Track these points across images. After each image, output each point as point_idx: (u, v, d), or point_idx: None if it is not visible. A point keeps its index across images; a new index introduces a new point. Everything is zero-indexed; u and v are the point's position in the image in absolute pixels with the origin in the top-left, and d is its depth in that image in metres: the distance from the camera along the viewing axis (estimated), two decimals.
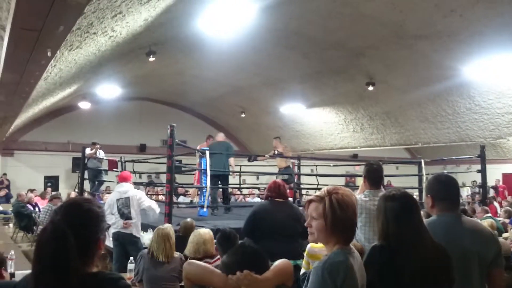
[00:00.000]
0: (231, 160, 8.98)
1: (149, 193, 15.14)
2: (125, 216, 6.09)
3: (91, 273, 1.55)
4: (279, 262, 2.44)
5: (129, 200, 6.12)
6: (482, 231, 2.47)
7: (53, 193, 13.05)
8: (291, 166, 10.81)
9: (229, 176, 9.44)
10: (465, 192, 16.31)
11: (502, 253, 2.48)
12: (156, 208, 6.37)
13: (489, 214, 8.65)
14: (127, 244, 6.04)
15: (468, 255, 2.33)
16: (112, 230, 6.08)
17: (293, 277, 2.52)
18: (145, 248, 5.35)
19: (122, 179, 6.49)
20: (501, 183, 19.06)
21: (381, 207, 2.23)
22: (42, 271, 1.45)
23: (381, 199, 2.26)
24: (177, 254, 4.40)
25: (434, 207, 2.51)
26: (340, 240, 1.94)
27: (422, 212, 2.25)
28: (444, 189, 2.51)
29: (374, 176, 3.79)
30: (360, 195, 3.76)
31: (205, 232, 4.28)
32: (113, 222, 6.07)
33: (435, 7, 8.07)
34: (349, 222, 1.94)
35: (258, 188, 15.43)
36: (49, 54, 4.37)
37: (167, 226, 4.65)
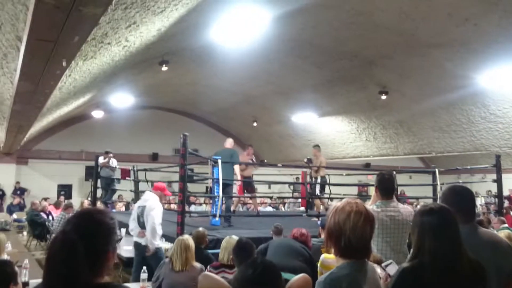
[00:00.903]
0: (236, 168, 8.57)
1: (163, 202, 15.21)
2: (141, 224, 6.07)
3: (100, 284, 1.54)
4: (297, 278, 2.40)
5: (144, 209, 6.04)
6: (500, 242, 2.43)
7: (66, 201, 13.13)
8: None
9: (234, 185, 9.30)
10: (478, 202, 16.09)
11: None
12: (156, 232, 5.89)
13: (506, 225, 8.50)
14: (143, 254, 6.02)
15: (487, 268, 2.28)
16: (133, 238, 6.12)
17: None
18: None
19: (154, 188, 6.39)
20: None
21: (417, 222, 2.13)
22: (52, 280, 1.46)
23: (418, 214, 2.17)
24: (198, 265, 4.46)
25: None
26: (340, 251, 1.91)
27: None
28: (459, 200, 2.46)
29: (386, 186, 3.71)
30: (372, 206, 3.71)
31: (236, 239, 4.40)
32: (131, 228, 6.11)
33: (448, 16, 8.03)
34: (342, 233, 1.89)
35: (270, 197, 15.38)
36: (64, 64, 4.41)
37: (188, 237, 4.72)
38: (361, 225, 1.89)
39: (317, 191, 10.55)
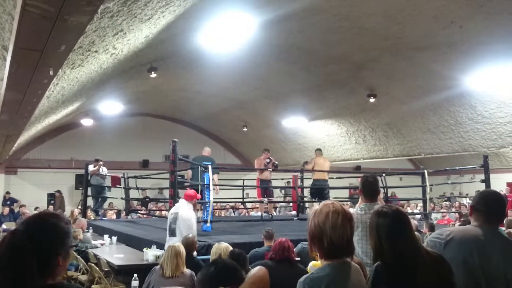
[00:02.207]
0: (215, 177, 8.74)
1: (152, 208, 15.17)
2: (171, 231, 6.03)
3: (50, 284, 1.53)
4: (254, 270, 2.43)
5: (177, 216, 6.01)
6: None
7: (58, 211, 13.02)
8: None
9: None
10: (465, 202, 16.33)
11: None
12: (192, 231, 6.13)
13: None
14: None
15: (496, 269, 2.35)
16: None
17: (269, 284, 2.51)
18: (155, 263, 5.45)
19: (184, 196, 6.37)
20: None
21: (373, 224, 2.21)
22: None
23: (373, 215, 2.25)
24: (188, 271, 4.49)
25: (471, 216, 2.60)
26: (324, 252, 1.95)
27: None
28: (485, 202, 2.58)
29: (369, 189, 3.77)
30: (356, 209, 3.76)
31: (227, 245, 4.57)
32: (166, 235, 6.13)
33: (434, 19, 8.11)
34: (323, 234, 1.94)
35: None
36: (51, 73, 4.40)
37: (179, 244, 4.76)
38: (340, 223, 1.94)
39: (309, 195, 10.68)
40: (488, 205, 2.56)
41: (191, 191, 6.54)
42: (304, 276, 1.92)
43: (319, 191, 10.58)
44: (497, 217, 2.61)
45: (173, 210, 6.27)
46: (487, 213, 2.54)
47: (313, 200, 10.69)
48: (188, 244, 5.29)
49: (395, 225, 2.14)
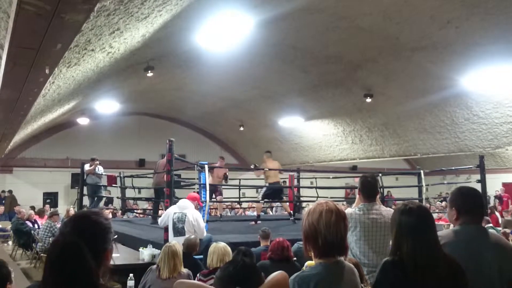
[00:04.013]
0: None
1: (149, 208, 15.13)
2: (178, 230, 6.12)
3: (102, 285, 1.54)
4: (275, 274, 2.42)
5: (185, 216, 6.19)
6: (506, 247, 2.46)
7: (52, 209, 12.98)
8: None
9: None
10: None
11: None
12: (202, 233, 6.36)
13: (490, 224, 8.62)
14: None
15: (490, 269, 2.32)
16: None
17: None
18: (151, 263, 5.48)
19: (188, 198, 6.64)
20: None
21: (395, 220, 2.18)
22: (56, 282, 1.43)
23: (396, 213, 2.21)
24: (185, 270, 4.45)
25: (458, 220, 2.50)
26: (318, 251, 1.95)
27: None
28: (469, 202, 2.51)
29: (368, 189, 3.75)
30: (354, 209, 3.74)
31: (225, 245, 4.56)
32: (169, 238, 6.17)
33: (430, 19, 8.13)
34: (317, 232, 1.94)
35: (258, 201, 15.34)
36: (47, 71, 4.37)
37: (175, 243, 4.72)
38: (334, 222, 1.95)
39: (259, 196, 10.69)
40: (469, 203, 2.50)
41: (194, 194, 6.94)
42: (295, 274, 1.93)
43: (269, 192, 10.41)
44: (481, 214, 2.57)
45: (176, 210, 6.33)
46: (470, 212, 2.47)
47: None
48: (190, 245, 5.33)
49: (418, 222, 2.11)
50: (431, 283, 2.01)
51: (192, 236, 5.67)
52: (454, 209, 2.51)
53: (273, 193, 10.29)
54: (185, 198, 6.70)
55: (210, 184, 9.71)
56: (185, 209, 6.30)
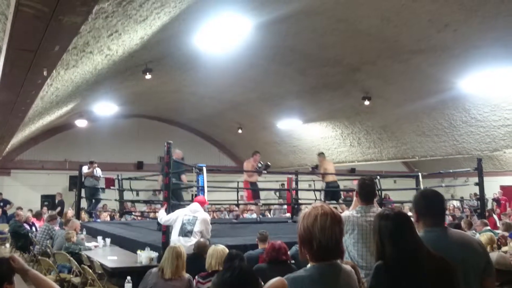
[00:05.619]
0: (183, 177, 9.36)
1: (147, 210, 15.12)
2: (185, 232, 6.18)
3: None
4: (273, 281, 2.41)
5: (196, 219, 6.30)
6: (470, 243, 2.48)
7: (50, 212, 12.95)
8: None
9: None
10: (454, 204, 16.44)
11: (491, 262, 2.50)
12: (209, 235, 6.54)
13: (488, 227, 8.60)
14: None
15: (458, 267, 2.33)
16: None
17: None
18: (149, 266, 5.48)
19: (197, 201, 6.78)
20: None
21: (375, 226, 2.24)
22: None
23: (376, 219, 2.28)
24: (186, 275, 4.46)
25: (418, 222, 2.51)
26: (314, 255, 1.95)
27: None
28: (429, 205, 2.51)
29: (366, 191, 3.75)
30: (351, 211, 3.73)
31: (223, 247, 4.64)
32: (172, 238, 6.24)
33: (429, 22, 8.14)
34: (312, 236, 1.94)
35: (256, 204, 15.32)
36: (45, 73, 4.37)
37: (180, 245, 4.78)
38: (329, 225, 1.94)
39: (322, 197, 10.74)
40: (428, 206, 2.50)
41: (202, 197, 7.15)
42: (286, 275, 1.92)
43: (331, 193, 10.66)
44: (441, 216, 2.55)
45: (186, 212, 6.44)
46: (428, 214, 2.48)
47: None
48: (200, 247, 5.42)
49: (396, 227, 2.16)
50: (424, 284, 2.04)
51: (202, 239, 5.82)
52: (415, 211, 2.54)
53: (333, 193, 10.52)
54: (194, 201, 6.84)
55: (251, 183, 9.95)
56: (196, 212, 6.43)
